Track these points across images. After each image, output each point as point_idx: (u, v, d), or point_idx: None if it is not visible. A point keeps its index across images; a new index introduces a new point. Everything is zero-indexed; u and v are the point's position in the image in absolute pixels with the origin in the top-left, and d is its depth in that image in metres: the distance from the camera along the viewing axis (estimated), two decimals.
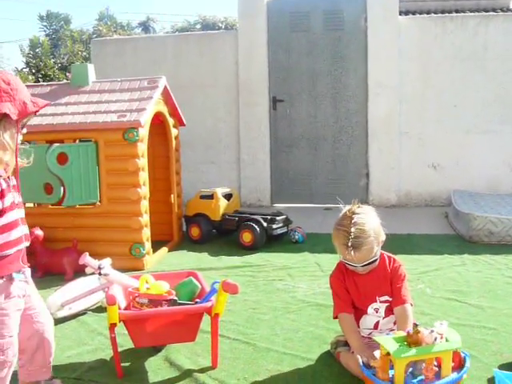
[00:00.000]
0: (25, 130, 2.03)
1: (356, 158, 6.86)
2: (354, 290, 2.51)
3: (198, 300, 2.52)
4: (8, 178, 1.94)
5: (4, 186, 1.90)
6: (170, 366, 2.52)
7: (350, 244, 2.34)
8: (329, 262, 4.32)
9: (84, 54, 19.24)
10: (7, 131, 1.90)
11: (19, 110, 1.91)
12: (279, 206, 6.84)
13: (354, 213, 2.39)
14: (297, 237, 4.98)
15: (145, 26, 28.33)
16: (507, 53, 6.48)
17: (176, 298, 2.47)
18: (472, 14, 7.68)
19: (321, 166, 6.93)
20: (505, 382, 2.14)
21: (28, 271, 2.03)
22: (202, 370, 2.48)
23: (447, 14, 7.06)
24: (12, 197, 1.93)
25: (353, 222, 2.36)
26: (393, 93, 6.62)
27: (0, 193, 1.88)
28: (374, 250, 2.41)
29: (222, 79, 6.95)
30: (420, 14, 7.92)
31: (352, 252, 2.34)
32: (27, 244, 2.00)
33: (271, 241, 4.87)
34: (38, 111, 2.01)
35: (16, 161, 1.95)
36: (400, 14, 6.82)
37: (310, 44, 6.80)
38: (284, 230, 4.96)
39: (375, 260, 2.44)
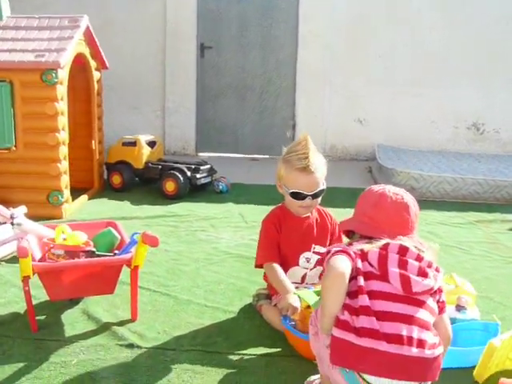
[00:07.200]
0: None
1: (283, 110, 6.83)
2: (291, 236, 2.49)
3: (116, 251, 2.44)
4: None
5: None
6: (87, 319, 2.45)
7: (309, 163, 2.34)
8: (252, 213, 4.32)
9: None
10: None
11: None
12: (204, 155, 6.75)
13: (307, 138, 2.38)
14: (221, 187, 4.93)
15: None
16: (436, 14, 6.55)
17: (94, 250, 2.38)
18: None
19: (247, 116, 6.86)
20: None
21: None
22: (121, 323, 2.42)
23: None
24: None
25: (309, 144, 2.37)
26: (323, 45, 6.57)
27: None
28: (323, 178, 2.43)
29: (148, 23, 6.65)
30: None
31: (311, 171, 2.35)
32: None
33: (195, 190, 4.80)
34: None
35: None
36: None
37: None
38: (208, 179, 4.90)
39: (323, 191, 2.44)
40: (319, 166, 2.40)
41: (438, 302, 1.77)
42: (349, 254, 1.75)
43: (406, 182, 4.91)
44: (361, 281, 1.70)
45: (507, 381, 2.00)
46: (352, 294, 1.70)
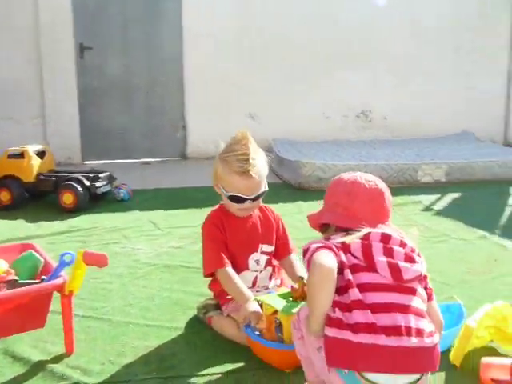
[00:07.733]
0: None
1: (172, 110, 6.56)
2: (236, 237, 2.28)
3: (44, 277, 2.08)
4: None
5: None
6: (13, 361, 2.05)
7: (250, 166, 2.13)
8: (164, 219, 4.07)
9: None
10: None
11: None
12: (92, 163, 6.31)
13: (247, 137, 2.19)
14: (122, 195, 4.60)
15: None
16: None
17: (16, 278, 2.02)
18: None
19: (135, 118, 6.52)
20: None
21: None
22: (56, 359, 2.06)
23: None
24: None
25: (250, 144, 2.17)
26: (209, 41, 6.38)
27: None
28: (265, 179, 2.24)
29: (18, 22, 6.05)
30: None
31: (251, 176, 2.13)
32: None
33: (94, 201, 4.43)
34: None
35: None
36: None
37: None
38: (108, 188, 4.55)
39: (264, 193, 2.25)
40: (261, 168, 2.20)
41: (425, 288, 1.69)
42: (331, 249, 1.59)
43: (312, 172, 4.85)
44: (348, 275, 1.58)
45: (488, 359, 1.94)
46: (341, 289, 1.57)
